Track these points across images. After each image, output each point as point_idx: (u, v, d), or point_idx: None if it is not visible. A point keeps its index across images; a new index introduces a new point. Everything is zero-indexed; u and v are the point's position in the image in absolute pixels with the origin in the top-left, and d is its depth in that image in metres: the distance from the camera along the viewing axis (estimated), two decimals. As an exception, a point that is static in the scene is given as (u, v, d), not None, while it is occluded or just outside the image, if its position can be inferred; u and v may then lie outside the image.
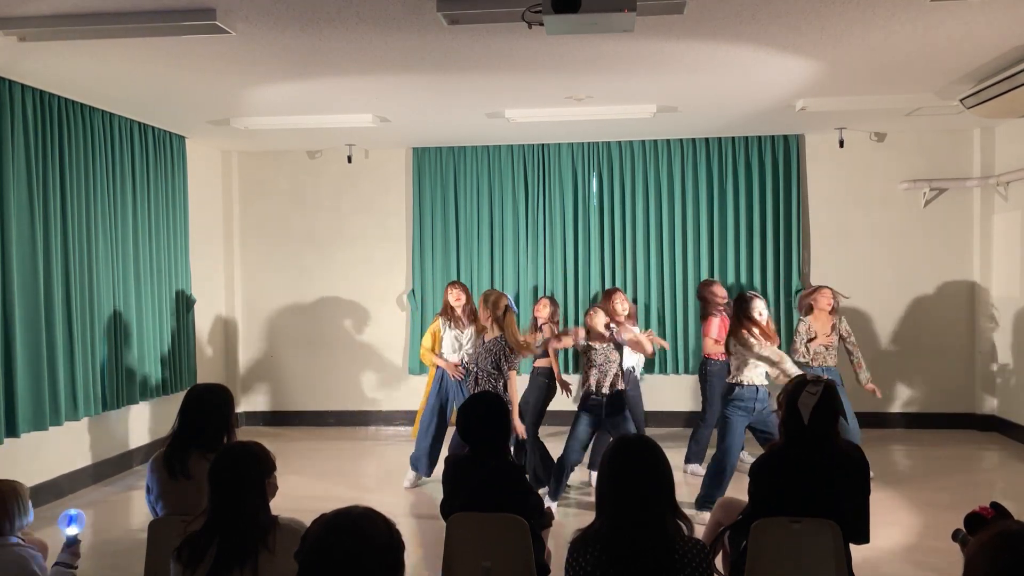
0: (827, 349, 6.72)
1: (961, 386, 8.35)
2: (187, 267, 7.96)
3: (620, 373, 5.86)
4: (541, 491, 5.89)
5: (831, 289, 6.90)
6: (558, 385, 6.30)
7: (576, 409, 5.91)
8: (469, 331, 6.46)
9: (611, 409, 5.75)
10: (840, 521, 3.30)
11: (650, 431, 6.73)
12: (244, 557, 2.56)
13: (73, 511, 3.52)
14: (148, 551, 3.38)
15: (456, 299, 6.54)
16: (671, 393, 8.56)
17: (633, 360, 6.58)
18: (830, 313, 6.81)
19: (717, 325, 6.77)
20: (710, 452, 6.04)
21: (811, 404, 3.40)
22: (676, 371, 8.52)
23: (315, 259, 9.08)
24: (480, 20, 4.36)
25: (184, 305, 7.88)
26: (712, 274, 8.50)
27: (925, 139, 8.34)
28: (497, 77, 5.83)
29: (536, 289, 8.67)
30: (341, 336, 9.03)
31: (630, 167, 8.60)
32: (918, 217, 8.38)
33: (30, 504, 3.45)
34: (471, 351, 6.30)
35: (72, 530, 3.48)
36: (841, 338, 6.82)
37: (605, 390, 5.74)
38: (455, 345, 6.54)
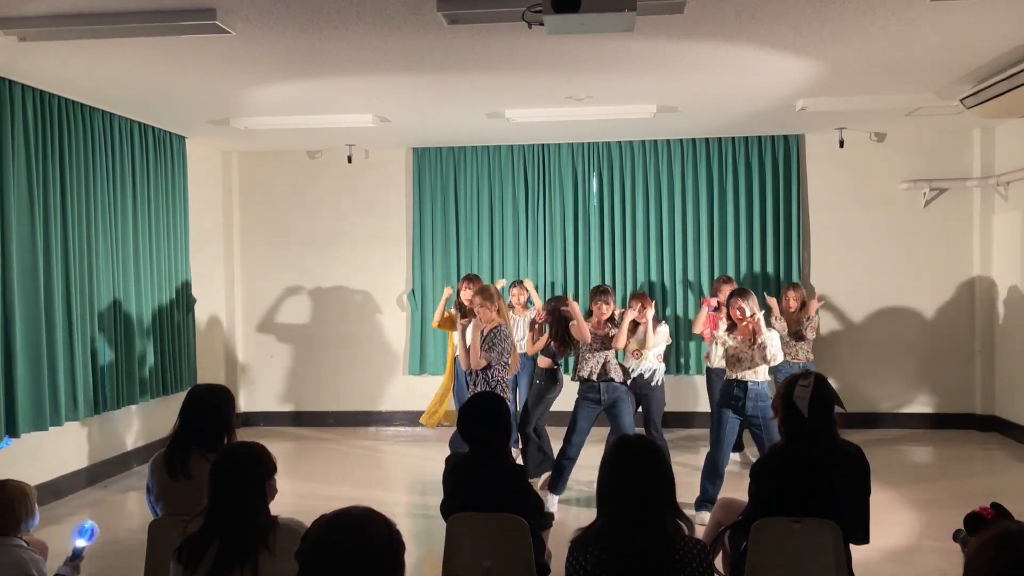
0: (796, 344, 6.88)
1: (961, 386, 8.35)
2: (187, 267, 7.96)
3: (615, 363, 5.92)
4: (542, 491, 5.90)
5: (797, 287, 7.22)
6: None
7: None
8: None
9: (609, 398, 5.81)
10: (840, 521, 3.30)
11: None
12: (244, 557, 2.55)
13: (88, 524, 3.51)
14: (148, 551, 3.38)
15: (468, 298, 6.49)
16: (669, 393, 8.49)
17: (653, 365, 6.47)
18: (800, 310, 7.12)
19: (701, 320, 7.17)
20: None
21: (807, 396, 3.41)
22: (676, 371, 8.45)
23: (315, 259, 9.08)
24: (480, 20, 4.36)
25: (184, 305, 7.88)
26: (712, 274, 8.48)
27: (925, 139, 8.33)
28: (497, 77, 5.83)
29: (536, 289, 8.66)
30: (341, 336, 9.03)
31: (630, 167, 8.60)
32: (918, 217, 8.38)
33: (36, 507, 3.45)
34: None
35: (81, 543, 3.47)
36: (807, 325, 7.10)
37: (596, 377, 5.81)
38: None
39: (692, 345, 8.49)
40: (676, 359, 8.50)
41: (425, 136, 8.26)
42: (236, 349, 9.15)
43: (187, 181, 7.98)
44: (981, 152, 8.20)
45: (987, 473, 7.15)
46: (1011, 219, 7.87)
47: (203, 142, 8.37)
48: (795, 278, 8.39)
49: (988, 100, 6.04)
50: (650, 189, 8.58)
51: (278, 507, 2.79)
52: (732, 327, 5.58)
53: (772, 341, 5.41)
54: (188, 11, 4.31)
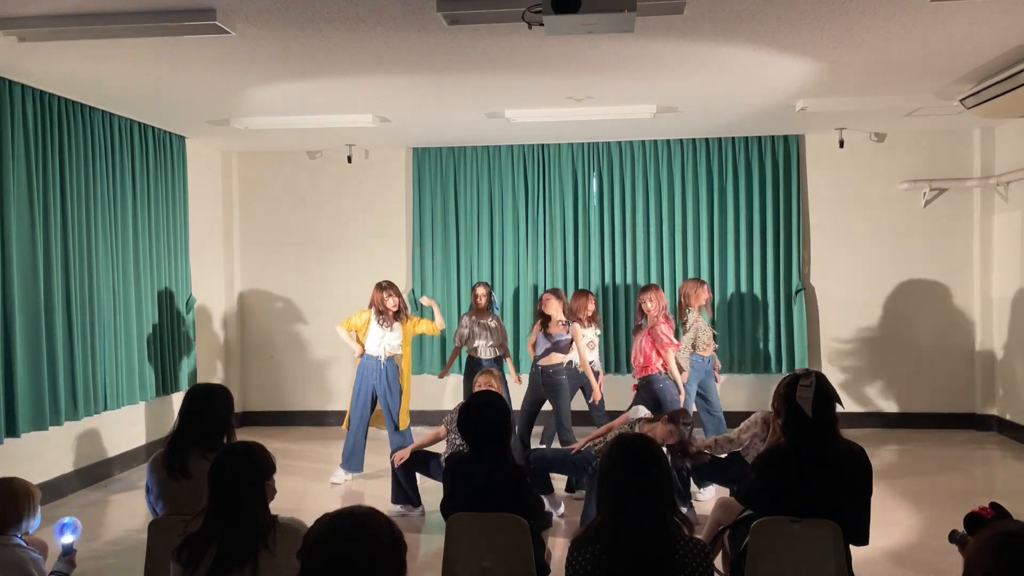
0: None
1: (961, 386, 8.34)
2: (187, 267, 7.96)
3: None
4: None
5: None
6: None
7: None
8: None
9: None
10: (840, 521, 3.30)
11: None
12: (244, 557, 2.55)
13: (67, 519, 3.49)
14: (148, 551, 3.38)
15: (391, 306, 6.70)
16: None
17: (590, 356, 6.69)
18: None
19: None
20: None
21: (810, 396, 3.40)
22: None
23: (315, 259, 9.08)
24: (480, 20, 4.37)
25: (184, 305, 7.89)
26: (712, 274, 8.48)
27: (925, 139, 8.33)
28: (497, 77, 5.83)
29: (536, 289, 8.66)
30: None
31: (630, 167, 8.60)
32: (918, 217, 8.38)
33: (39, 508, 3.44)
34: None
35: (68, 539, 3.46)
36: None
37: None
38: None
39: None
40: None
41: (425, 136, 8.26)
42: (236, 349, 9.14)
43: (187, 181, 7.98)
44: (981, 152, 8.20)
45: (987, 473, 7.15)
46: (1011, 219, 7.87)
47: (203, 142, 8.37)
48: (795, 278, 8.39)
49: (988, 100, 6.04)
50: (650, 189, 8.58)
51: (278, 506, 2.79)
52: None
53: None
54: (188, 11, 4.32)
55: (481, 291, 7.23)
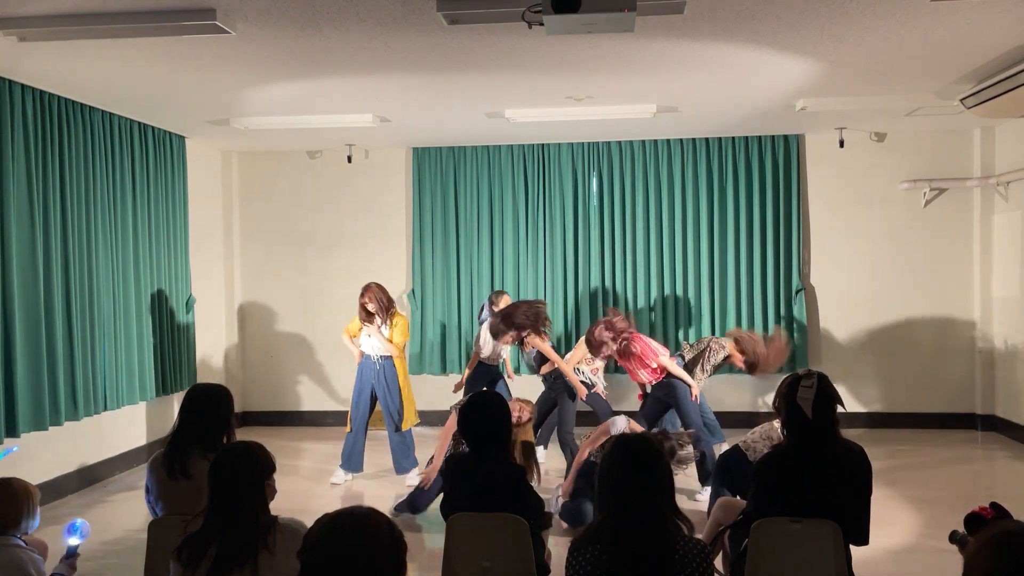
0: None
1: (961, 386, 8.34)
2: (187, 267, 7.96)
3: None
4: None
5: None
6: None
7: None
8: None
9: None
10: (840, 521, 3.30)
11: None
12: (244, 557, 2.56)
13: (78, 521, 3.52)
14: (148, 551, 3.38)
15: (374, 308, 6.56)
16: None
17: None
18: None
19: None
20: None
21: (810, 397, 3.39)
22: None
23: (315, 259, 9.08)
24: (480, 20, 4.37)
25: (184, 305, 7.89)
26: (712, 274, 8.48)
27: (925, 139, 8.33)
28: (497, 77, 5.83)
29: (536, 289, 8.66)
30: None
31: (630, 167, 8.60)
32: (918, 217, 8.38)
33: (39, 509, 3.45)
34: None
35: (74, 541, 3.48)
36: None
37: None
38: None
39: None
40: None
41: (425, 136, 8.26)
42: (236, 349, 9.15)
43: (187, 181, 7.99)
44: (981, 152, 8.19)
45: (987, 473, 7.15)
46: (1011, 219, 7.87)
47: (203, 142, 8.37)
48: (795, 278, 8.38)
49: (988, 100, 6.04)
50: (650, 189, 8.58)
51: (278, 506, 2.79)
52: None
53: None
54: (188, 11, 4.32)
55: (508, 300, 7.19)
